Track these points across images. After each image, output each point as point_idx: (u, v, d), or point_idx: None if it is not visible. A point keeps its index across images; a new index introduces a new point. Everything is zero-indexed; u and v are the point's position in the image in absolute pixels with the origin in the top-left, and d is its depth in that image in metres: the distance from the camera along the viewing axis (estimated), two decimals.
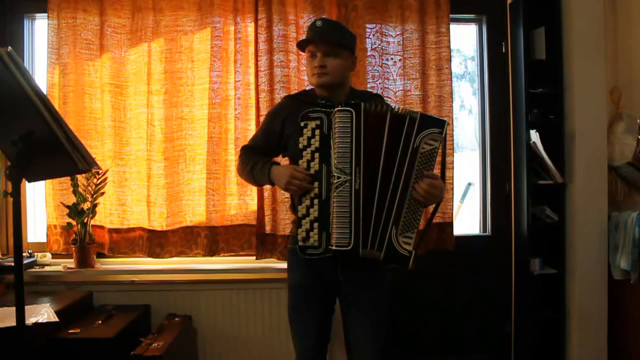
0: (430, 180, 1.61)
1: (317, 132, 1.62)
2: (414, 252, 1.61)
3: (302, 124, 1.63)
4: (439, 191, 1.65)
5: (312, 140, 1.62)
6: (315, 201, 1.62)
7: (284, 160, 2.01)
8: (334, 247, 1.56)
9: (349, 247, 1.56)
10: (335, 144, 1.59)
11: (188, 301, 2.60)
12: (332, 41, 1.74)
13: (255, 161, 1.82)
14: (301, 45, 1.81)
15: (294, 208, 1.78)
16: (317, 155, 1.62)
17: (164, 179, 2.58)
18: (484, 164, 2.90)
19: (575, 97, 2.57)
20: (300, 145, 1.64)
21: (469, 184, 3.12)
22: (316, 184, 1.62)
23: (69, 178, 2.48)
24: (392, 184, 1.60)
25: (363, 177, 1.58)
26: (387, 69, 2.67)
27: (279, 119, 1.83)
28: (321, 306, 1.82)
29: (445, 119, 1.70)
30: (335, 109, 1.60)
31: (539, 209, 2.66)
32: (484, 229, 2.91)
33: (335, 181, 1.58)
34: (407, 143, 1.60)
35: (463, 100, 3.07)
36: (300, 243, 1.62)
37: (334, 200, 1.58)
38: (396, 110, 1.62)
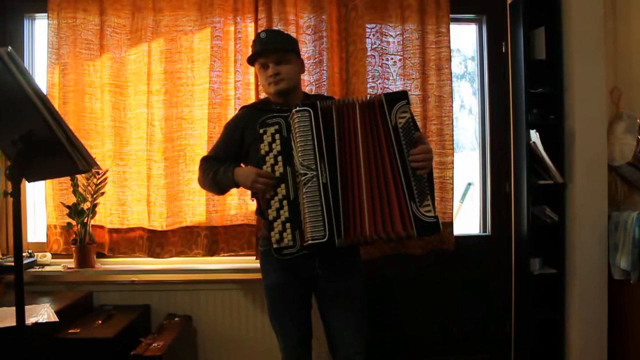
0: (421, 146, 1.65)
1: (277, 136, 1.65)
2: (436, 215, 1.63)
3: (260, 131, 1.67)
4: (431, 152, 1.69)
5: (273, 145, 1.66)
6: (284, 202, 1.64)
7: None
8: (310, 242, 1.57)
9: (325, 239, 1.57)
10: (298, 143, 1.61)
11: (188, 301, 2.60)
12: (282, 49, 1.80)
13: (217, 168, 1.83)
14: (251, 60, 1.87)
15: (261, 213, 1.79)
16: (280, 158, 1.65)
17: (164, 179, 2.58)
18: (484, 164, 2.90)
19: (575, 97, 2.57)
20: (262, 152, 1.67)
21: (469, 184, 3.12)
22: (282, 185, 1.64)
23: (69, 178, 2.48)
24: (390, 165, 1.62)
25: (329, 170, 1.59)
26: (387, 69, 2.67)
27: (239, 127, 1.87)
28: (299, 304, 1.84)
29: (406, 90, 1.74)
30: (293, 110, 1.63)
31: (539, 209, 2.66)
32: (484, 229, 2.91)
33: (302, 178, 1.60)
34: (385, 124, 1.63)
35: (463, 100, 3.07)
36: (275, 245, 1.64)
37: (304, 196, 1.59)
38: (362, 99, 1.65)
